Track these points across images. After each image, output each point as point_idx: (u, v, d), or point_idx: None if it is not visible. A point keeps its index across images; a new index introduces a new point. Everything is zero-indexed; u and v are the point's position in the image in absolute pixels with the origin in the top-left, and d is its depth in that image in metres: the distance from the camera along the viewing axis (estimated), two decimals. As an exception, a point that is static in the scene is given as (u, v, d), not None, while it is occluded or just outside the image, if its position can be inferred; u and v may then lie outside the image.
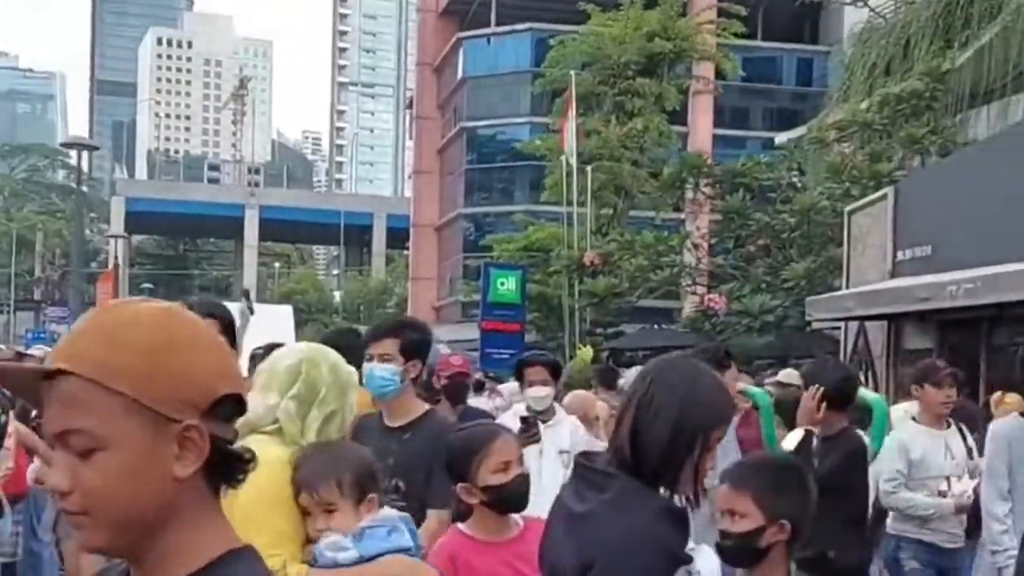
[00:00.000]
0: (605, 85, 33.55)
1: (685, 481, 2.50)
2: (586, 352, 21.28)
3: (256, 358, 7.91)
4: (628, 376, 9.03)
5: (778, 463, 3.27)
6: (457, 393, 6.99)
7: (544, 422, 6.31)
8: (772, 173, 20.31)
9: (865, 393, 6.04)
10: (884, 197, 14.66)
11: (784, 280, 17.99)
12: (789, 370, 8.15)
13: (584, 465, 2.64)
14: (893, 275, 13.72)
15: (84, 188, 24.18)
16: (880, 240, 14.36)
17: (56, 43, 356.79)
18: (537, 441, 5.71)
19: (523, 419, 5.98)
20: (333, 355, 3.22)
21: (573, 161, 27.27)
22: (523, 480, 3.59)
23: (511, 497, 3.56)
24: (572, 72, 29.94)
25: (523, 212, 42.31)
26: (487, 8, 57.36)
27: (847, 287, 15.23)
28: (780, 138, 29.29)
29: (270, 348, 8.08)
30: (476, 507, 3.57)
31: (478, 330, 28.14)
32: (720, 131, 50.82)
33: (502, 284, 27.29)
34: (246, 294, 11.09)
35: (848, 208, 16.02)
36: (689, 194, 21.74)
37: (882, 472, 6.41)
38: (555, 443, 6.35)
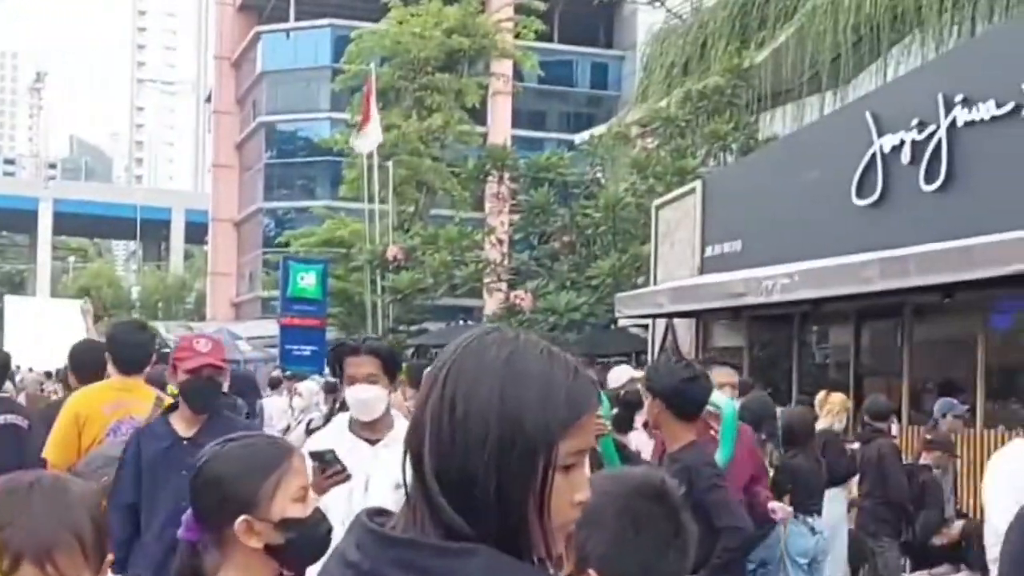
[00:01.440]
0: (405, 80, 33.03)
1: (535, 534, 1.43)
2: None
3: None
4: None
5: (602, 487, 1.90)
6: (200, 395, 4.71)
7: (373, 441, 4.33)
8: (576, 168, 19.94)
9: (713, 395, 4.99)
10: (692, 191, 14.33)
11: (589, 277, 17.59)
12: (623, 367, 7.41)
13: (390, 538, 1.45)
14: (702, 271, 13.38)
15: None
16: (688, 235, 14.02)
17: None
18: (346, 479, 3.89)
19: (314, 455, 3.81)
20: None
21: (375, 155, 26.67)
22: (324, 518, 2.52)
23: (314, 540, 2.44)
24: (372, 66, 29.36)
25: (323, 207, 41.51)
26: (286, 3, 56.94)
27: (655, 283, 14.87)
28: (580, 137, 29.20)
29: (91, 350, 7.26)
30: (247, 555, 2.39)
31: (278, 326, 27.41)
32: (518, 132, 50.92)
33: (302, 279, 26.67)
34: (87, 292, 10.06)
35: (656, 203, 15.70)
36: (492, 188, 21.24)
37: (989, 520, 4.02)
38: (391, 472, 3.89)
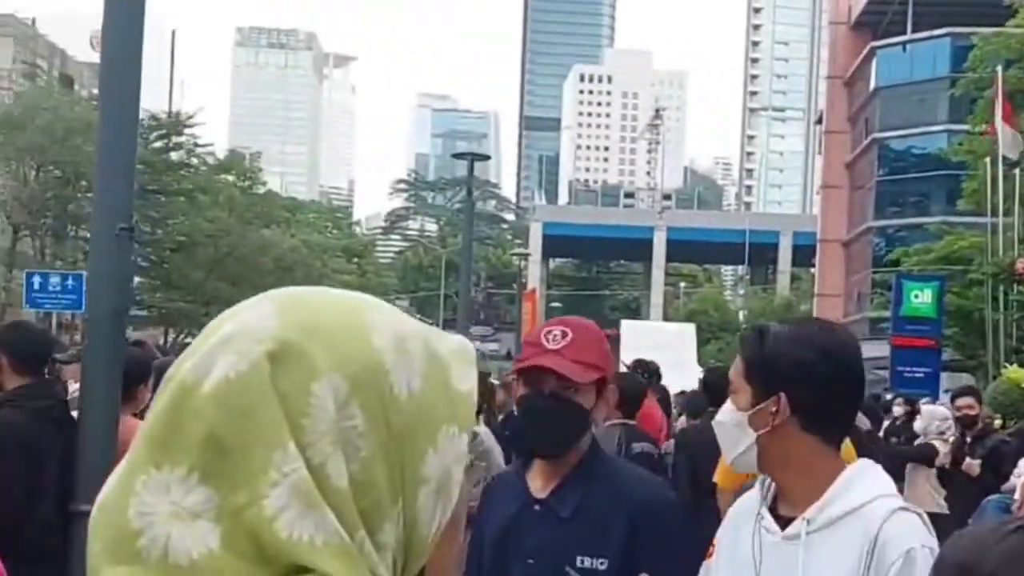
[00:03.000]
0: (1036, 82, 30.71)
1: None
2: (1017, 373, 19.06)
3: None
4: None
5: None
6: (537, 424, 2.92)
7: (786, 522, 2.40)
8: None
9: None
10: None
11: None
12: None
13: None
14: None
15: (475, 196, 24.87)
16: None
17: (489, 84, 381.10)
18: None
19: None
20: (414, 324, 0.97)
21: (999, 162, 25.25)
22: None
23: None
24: (998, 68, 27.74)
25: (938, 223, 39.90)
26: (903, 16, 55.65)
27: None
28: None
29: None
30: None
31: (887, 347, 26.53)
32: None
33: (916, 297, 25.58)
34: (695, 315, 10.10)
35: None
36: None
37: None
38: None
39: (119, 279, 5.04)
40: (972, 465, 8.94)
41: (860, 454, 3.46)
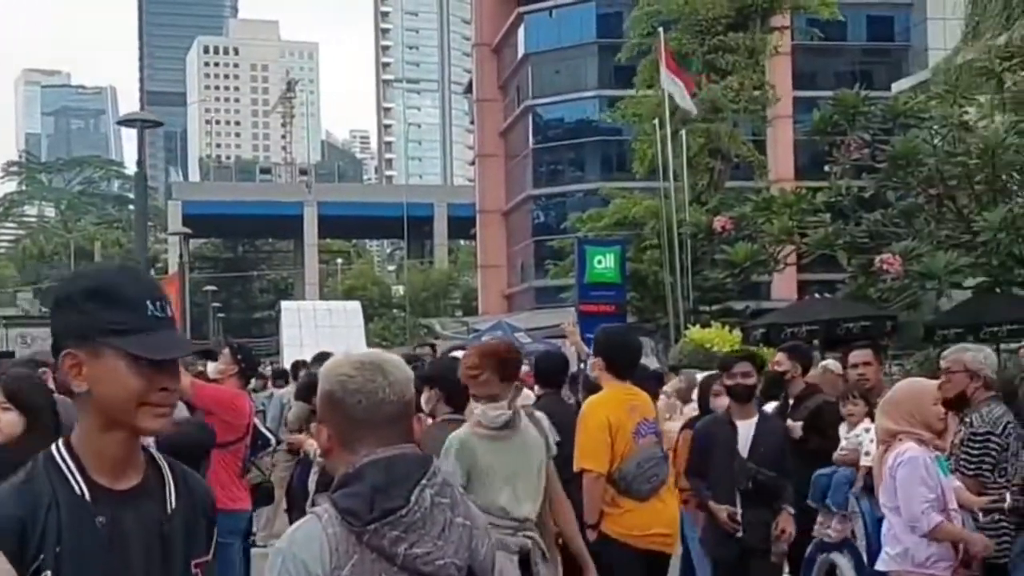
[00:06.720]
0: (694, 43, 31.26)
1: None
2: (699, 334, 19.06)
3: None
4: (985, 358, 5.96)
5: None
6: None
7: None
8: (940, 109, 17.35)
9: None
10: None
11: (974, 233, 15.11)
12: None
13: None
14: None
15: (147, 168, 22.19)
16: None
17: (106, 58, 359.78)
18: None
19: None
20: None
21: (667, 125, 25.39)
22: None
23: None
24: (659, 29, 27.95)
25: (599, 188, 40.55)
26: None
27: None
28: (900, 85, 26.68)
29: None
30: None
31: (559, 316, 26.26)
32: (799, 93, 47.63)
33: (599, 262, 25.25)
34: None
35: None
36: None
37: None
38: None
39: None
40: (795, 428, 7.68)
41: None
